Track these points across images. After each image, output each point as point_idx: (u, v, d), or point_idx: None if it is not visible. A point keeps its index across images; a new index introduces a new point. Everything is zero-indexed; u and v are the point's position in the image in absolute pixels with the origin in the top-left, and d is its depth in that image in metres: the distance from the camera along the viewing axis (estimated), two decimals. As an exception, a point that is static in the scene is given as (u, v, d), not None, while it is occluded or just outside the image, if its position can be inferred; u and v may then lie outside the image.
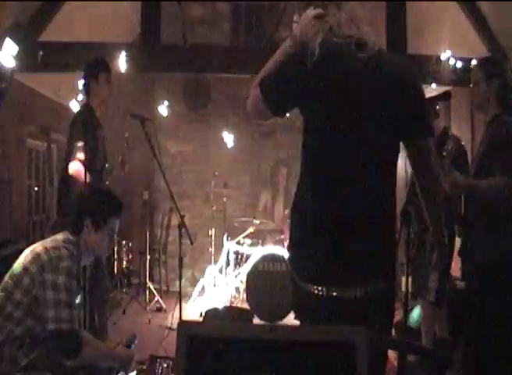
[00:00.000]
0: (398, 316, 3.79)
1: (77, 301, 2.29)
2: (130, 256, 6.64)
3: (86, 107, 3.64)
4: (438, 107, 3.61)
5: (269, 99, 1.75)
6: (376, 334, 1.62)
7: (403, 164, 1.95)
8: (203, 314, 4.82)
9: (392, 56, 1.82)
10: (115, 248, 5.89)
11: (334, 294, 1.69)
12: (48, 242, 2.26)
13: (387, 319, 1.84)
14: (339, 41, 1.70)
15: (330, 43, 1.69)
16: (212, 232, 5.95)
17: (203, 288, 5.69)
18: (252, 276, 5.21)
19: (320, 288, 1.70)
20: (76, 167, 3.37)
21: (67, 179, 3.46)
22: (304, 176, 1.78)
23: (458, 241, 3.06)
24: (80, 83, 3.84)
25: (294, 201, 1.82)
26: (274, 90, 1.75)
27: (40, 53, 4.42)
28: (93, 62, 3.75)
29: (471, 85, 2.87)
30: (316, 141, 1.74)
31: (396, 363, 2.61)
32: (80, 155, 3.33)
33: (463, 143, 3.71)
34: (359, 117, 1.67)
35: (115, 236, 2.49)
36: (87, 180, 3.29)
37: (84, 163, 3.23)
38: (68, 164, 3.45)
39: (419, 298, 3.63)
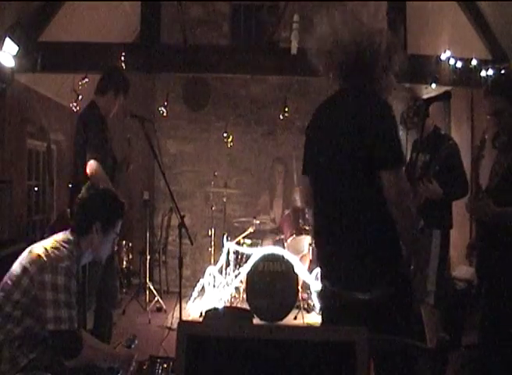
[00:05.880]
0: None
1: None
2: (130, 256, 6.65)
3: (92, 105, 3.56)
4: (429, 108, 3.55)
5: None
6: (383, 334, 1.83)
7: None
8: (203, 314, 4.81)
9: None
10: (115, 248, 5.89)
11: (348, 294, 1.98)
12: (47, 242, 2.25)
13: (401, 322, 1.98)
14: None
15: None
16: (212, 232, 5.95)
17: (203, 288, 5.68)
18: (252, 276, 5.21)
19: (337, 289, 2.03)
20: (94, 166, 3.29)
21: (81, 178, 3.33)
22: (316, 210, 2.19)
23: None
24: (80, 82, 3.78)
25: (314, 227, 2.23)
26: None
27: (40, 53, 4.41)
28: (117, 76, 3.67)
29: (488, 116, 2.66)
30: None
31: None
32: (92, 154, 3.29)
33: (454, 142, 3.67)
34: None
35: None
36: (105, 179, 3.28)
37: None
38: (81, 163, 3.39)
39: (418, 302, 3.61)
